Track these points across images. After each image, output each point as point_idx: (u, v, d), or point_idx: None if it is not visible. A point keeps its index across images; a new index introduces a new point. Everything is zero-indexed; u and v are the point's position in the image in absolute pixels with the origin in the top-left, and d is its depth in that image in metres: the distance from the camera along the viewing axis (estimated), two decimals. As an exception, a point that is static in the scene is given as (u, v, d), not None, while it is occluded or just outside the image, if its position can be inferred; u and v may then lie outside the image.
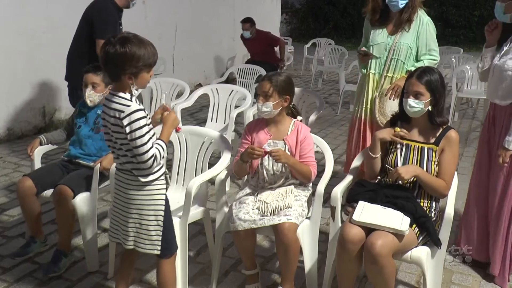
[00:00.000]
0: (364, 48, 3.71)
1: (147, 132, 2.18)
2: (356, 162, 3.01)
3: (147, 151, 2.17)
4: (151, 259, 2.99)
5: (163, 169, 2.37)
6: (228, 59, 9.35)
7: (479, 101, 8.41)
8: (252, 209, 2.70)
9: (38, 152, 3.36)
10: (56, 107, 6.38)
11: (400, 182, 2.63)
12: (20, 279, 3.00)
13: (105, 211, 3.91)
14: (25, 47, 5.95)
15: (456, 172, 2.73)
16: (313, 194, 2.85)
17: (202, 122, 6.24)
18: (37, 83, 6.16)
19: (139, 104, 2.21)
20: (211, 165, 3.06)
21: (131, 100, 2.19)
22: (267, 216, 2.65)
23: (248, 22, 8.01)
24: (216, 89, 5.09)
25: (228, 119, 4.83)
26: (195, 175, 3.10)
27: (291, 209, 2.66)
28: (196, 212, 2.95)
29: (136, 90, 2.23)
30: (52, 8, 6.26)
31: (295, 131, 2.86)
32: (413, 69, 3.36)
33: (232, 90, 5.06)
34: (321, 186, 2.78)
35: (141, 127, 2.15)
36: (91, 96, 3.21)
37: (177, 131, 2.45)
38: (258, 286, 2.85)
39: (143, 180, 2.28)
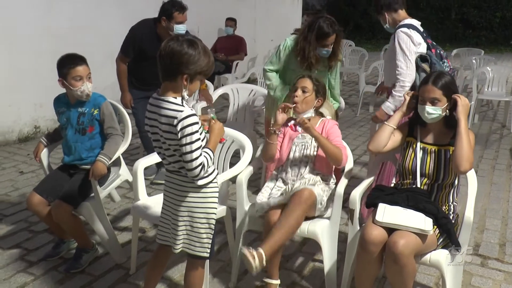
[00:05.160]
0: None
1: (198, 139, 2.13)
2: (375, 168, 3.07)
3: (196, 158, 2.12)
4: (173, 256, 3.05)
5: (216, 172, 2.35)
6: (249, 60, 9.36)
7: (499, 103, 8.32)
8: (275, 191, 2.88)
9: (44, 154, 3.38)
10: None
11: (414, 186, 2.65)
12: (46, 272, 3.09)
13: (127, 208, 3.99)
14: (51, 47, 6.04)
15: (475, 174, 2.73)
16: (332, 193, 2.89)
17: (222, 122, 6.27)
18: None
19: (191, 109, 2.14)
20: (232, 164, 3.11)
21: (182, 105, 2.12)
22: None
23: (234, 21, 8.81)
24: (237, 88, 5.16)
25: (248, 118, 4.88)
26: (216, 174, 3.15)
27: (314, 186, 2.79)
28: (217, 210, 2.99)
29: (188, 95, 2.17)
30: (78, 8, 6.41)
31: (321, 124, 3.03)
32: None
33: (252, 90, 5.12)
34: (341, 187, 2.81)
35: (192, 133, 2.10)
36: (88, 88, 3.10)
37: (220, 141, 2.43)
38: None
39: (199, 183, 2.25)
